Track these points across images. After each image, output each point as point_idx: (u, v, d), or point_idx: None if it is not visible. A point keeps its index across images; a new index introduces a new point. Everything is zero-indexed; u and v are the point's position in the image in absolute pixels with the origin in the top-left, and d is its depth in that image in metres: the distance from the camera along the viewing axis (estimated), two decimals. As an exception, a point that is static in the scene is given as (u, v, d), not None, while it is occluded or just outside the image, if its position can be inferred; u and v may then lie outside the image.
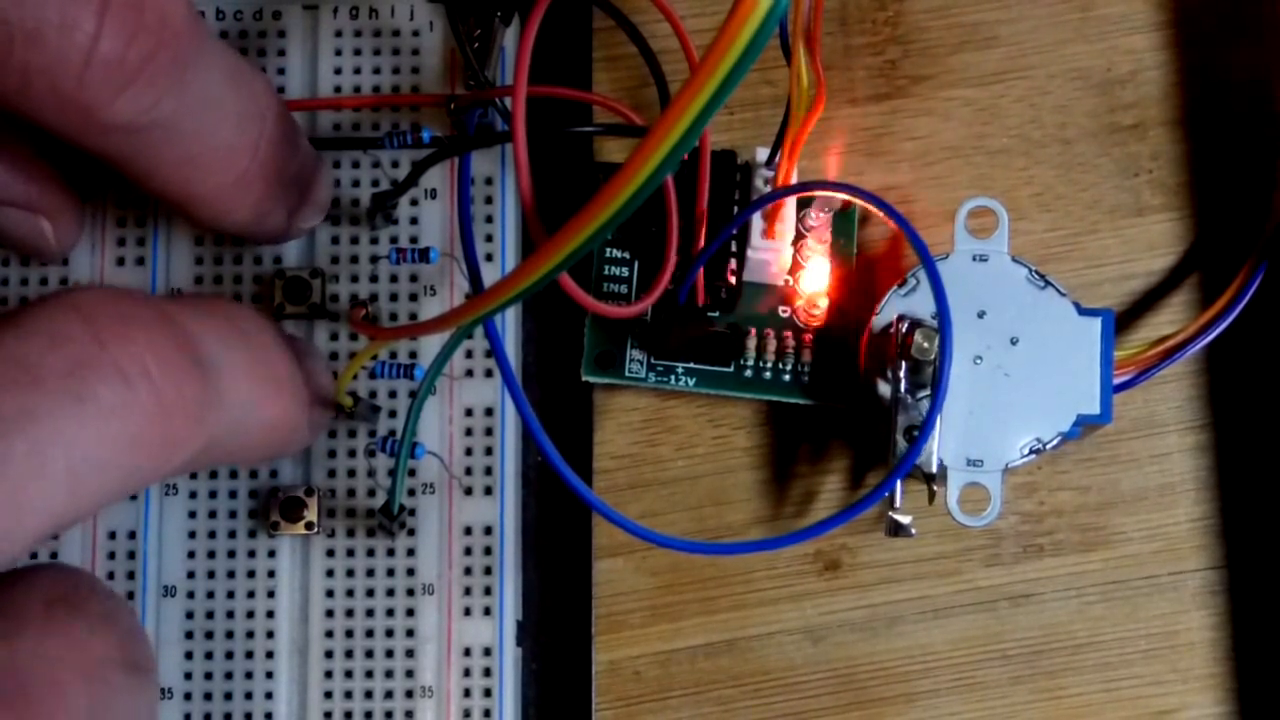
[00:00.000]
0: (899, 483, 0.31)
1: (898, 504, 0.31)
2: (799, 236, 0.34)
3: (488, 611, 0.32)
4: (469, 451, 0.33)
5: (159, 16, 0.26)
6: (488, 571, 0.32)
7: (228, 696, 0.32)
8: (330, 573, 0.32)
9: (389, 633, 0.32)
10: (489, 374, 0.33)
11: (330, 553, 0.32)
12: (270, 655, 0.32)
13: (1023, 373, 0.32)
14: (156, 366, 0.24)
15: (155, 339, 0.25)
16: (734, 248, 0.33)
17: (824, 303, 0.34)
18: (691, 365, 0.34)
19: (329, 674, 0.32)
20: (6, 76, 0.25)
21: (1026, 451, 0.32)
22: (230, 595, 0.32)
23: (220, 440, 0.26)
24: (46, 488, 0.23)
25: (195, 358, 0.25)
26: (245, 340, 0.28)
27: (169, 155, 0.28)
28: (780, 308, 0.34)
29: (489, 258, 0.33)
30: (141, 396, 0.24)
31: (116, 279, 0.33)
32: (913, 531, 0.31)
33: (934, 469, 0.31)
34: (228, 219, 0.30)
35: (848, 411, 0.34)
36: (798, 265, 0.34)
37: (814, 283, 0.34)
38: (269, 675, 0.32)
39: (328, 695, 0.32)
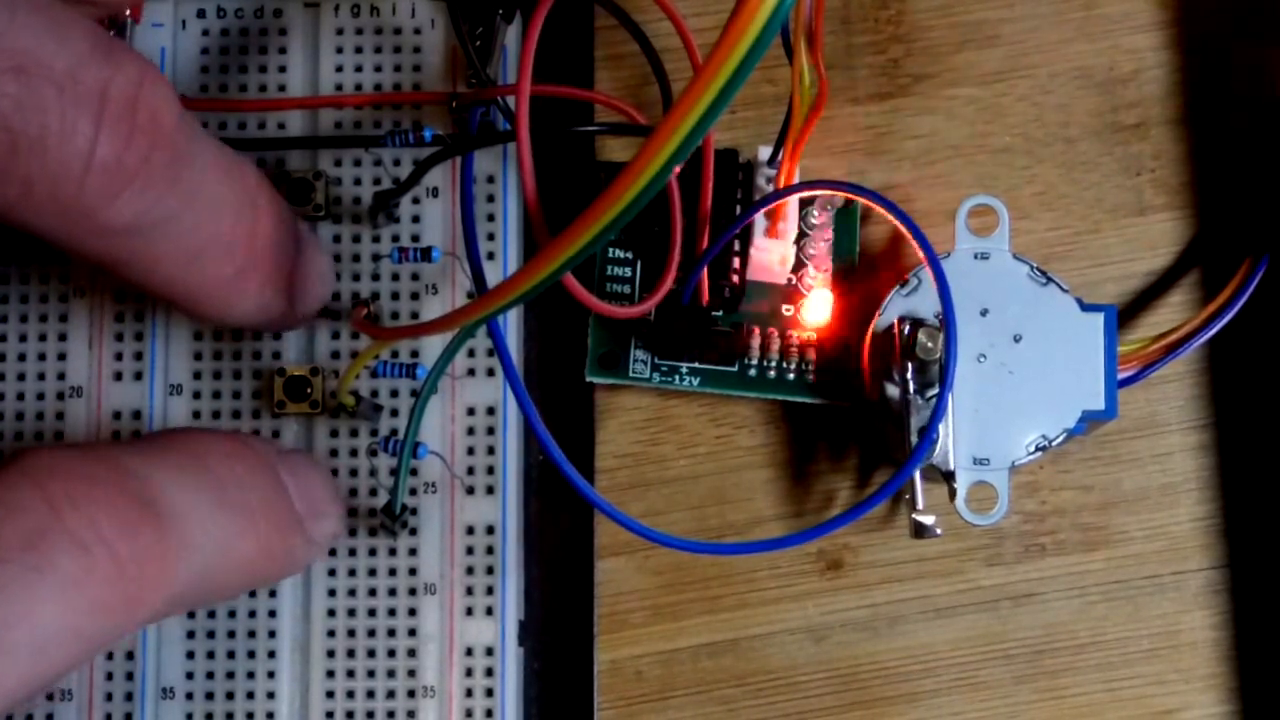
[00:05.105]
0: (920, 484, 0.31)
1: (920, 505, 0.30)
2: (801, 235, 0.34)
3: (490, 611, 0.32)
4: (471, 451, 0.32)
5: (151, 116, 0.26)
6: (490, 571, 0.32)
7: (229, 696, 0.31)
8: (332, 572, 0.32)
9: (391, 632, 0.32)
10: (491, 373, 0.33)
11: (332, 552, 0.32)
12: (272, 655, 0.32)
13: (1027, 370, 0.32)
14: (113, 528, 0.24)
15: (110, 497, 0.24)
16: (737, 247, 0.33)
17: (826, 302, 0.34)
18: (695, 365, 0.34)
19: (331, 674, 0.32)
20: (8, 186, 0.25)
21: (1033, 449, 0.31)
22: (232, 595, 0.32)
23: (193, 585, 0.26)
24: (8, 664, 0.23)
25: (154, 510, 0.25)
26: (212, 478, 0.27)
27: (168, 253, 0.28)
28: (784, 307, 0.34)
29: (491, 256, 0.33)
30: (100, 562, 0.24)
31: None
32: (938, 532, 0.31)
33: (951, 466, 0.31)
34: (231, 312, 0.30)
35: (851, 410, 0.34)
36: (800, 264, 0.34)
37: (816, 282, 0.34)
38: (271, 675, 0.32)
39: (330, 695, 0.32)
